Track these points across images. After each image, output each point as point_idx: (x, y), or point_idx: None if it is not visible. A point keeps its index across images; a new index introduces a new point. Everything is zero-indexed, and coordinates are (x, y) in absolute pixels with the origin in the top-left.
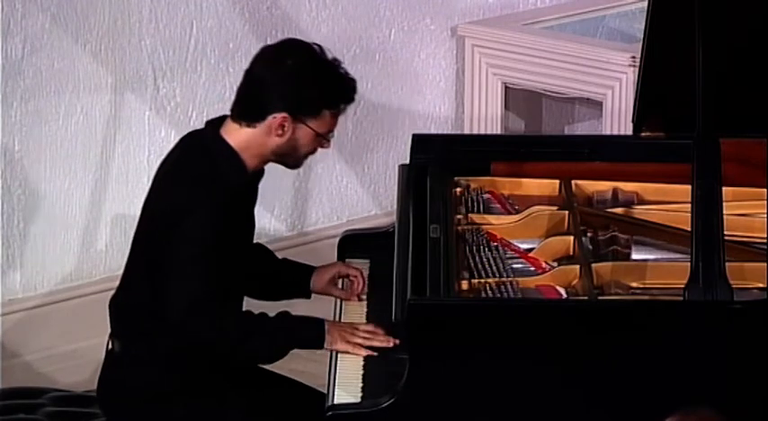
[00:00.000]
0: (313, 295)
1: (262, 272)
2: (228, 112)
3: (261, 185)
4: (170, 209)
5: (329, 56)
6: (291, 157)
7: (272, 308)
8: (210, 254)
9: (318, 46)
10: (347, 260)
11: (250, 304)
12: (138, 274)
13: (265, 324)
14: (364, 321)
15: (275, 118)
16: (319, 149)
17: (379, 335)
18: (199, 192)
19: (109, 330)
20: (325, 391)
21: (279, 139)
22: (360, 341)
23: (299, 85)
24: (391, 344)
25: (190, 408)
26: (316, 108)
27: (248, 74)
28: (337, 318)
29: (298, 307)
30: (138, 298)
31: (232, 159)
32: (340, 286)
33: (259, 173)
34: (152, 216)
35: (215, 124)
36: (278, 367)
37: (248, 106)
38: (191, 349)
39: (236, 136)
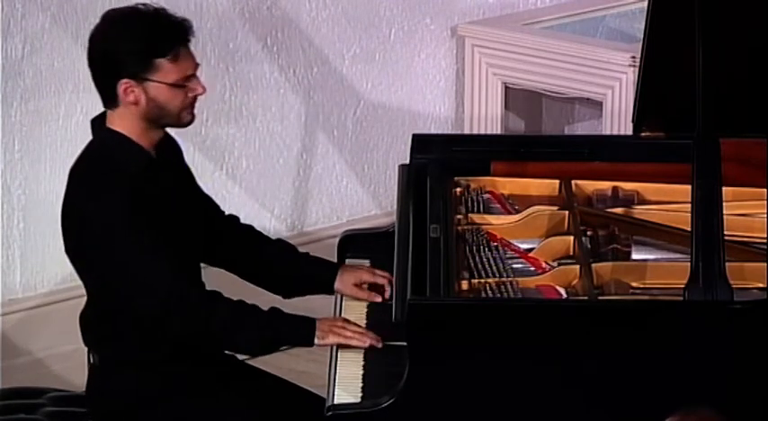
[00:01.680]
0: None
1: (283, 267)
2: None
3: (260, 184)
4: (86, 214)
5: (151, 8)
6: (168, 117)
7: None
8: (150, 240)
9: (143, 4)
10: (347, 260)
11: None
12: (92, 285)
13: (258, 315)
14: (365, 322)
15: (120, 87)
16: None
17: (367, 335)
18: (103, 188)
19: None
20: (326, 391)
21: (137, 107)
22: (350, 334)
23: (119, 47)
24: (380, 345)
25: (180, 411)
26: (144, 61)
27: (88, 59)
28: (337, 315)
29: (293, 303)
30: (101, 307)
31: (125, 145)
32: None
33: (169, 145)
34: (71, 224)
35: (100, 120)
36: (277, 367)
37: (100, 91)
38: (169, 349)
39: (117, 122)
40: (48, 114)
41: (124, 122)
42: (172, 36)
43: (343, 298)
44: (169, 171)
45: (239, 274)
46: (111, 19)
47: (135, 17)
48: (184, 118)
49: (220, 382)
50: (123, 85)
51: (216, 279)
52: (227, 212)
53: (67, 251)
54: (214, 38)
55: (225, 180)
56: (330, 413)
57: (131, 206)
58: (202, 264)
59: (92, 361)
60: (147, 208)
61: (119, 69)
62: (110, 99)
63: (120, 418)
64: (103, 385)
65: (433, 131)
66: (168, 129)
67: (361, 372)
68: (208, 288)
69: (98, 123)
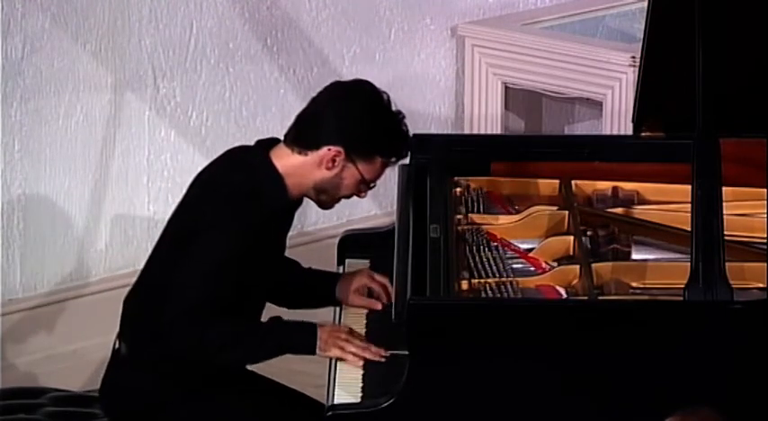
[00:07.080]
0: None
1: (287, 282)
2: (283, 133)
3: None
4: (199, 220)
5: (394, 108)
6: (329, 196)
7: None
8: (225, 271)
9: (387, 95)
10: (347, 260)
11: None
12: (154, 278)
13: (256, 329)
14: (364, 323)
15: (330, 150)
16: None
17: (370, 349)
18: (230, 208)
19: (110, 330)
20: (325, 392)
21: (326, 173)
22: (354, 350)
23: (361, 125)
24: (383, 360)
25: (190, 417)
26: (370, 151)
27: (313, 102)
28: (337, 321)
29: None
30: (150, 302)
31: (276, 182)
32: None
33: (299, 200)
34: (181, 224)
35: (265, 145)
36: (277, 367)
37: (306, 133)
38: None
39: (285, 160)
40: (48, 114)
41: (294, 167)
42: (402, 148)
43: (343, 306)
44: (287, 217)
45: None
46: (362, 93)
47: (384, 111)
48: (327, 203)
49: (231, 391)
50: (335, 151)
51: None
52: None
53: (159, 243)
54: (214, 38)
55: None
56: (330, 413)
57: (240, 238)
58: None
59: (117, 347)
60: (254, 244)
61: (343, 139)
62: (307, 146)
63: (130, 414)
64: (125, 379)
65: (433, 131)
66: None
67: (361, 372)
68: None
69: (262, 147)
